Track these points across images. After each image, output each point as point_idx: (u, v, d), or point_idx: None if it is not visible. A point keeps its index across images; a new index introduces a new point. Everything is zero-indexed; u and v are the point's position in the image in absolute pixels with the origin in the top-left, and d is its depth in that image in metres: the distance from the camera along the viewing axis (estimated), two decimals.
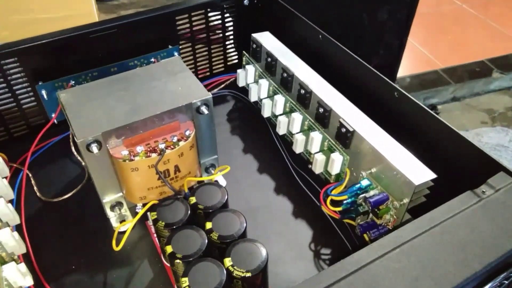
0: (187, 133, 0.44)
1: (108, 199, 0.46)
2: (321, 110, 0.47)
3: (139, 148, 0.43)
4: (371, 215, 0.44)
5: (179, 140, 0.44)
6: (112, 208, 0.47)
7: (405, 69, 1.40)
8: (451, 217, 0.32)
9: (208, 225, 0.38)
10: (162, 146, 0.43)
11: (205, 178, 0.48)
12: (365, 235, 0.44)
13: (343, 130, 0.44)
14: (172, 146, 0.43)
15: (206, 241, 0.37)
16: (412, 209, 0.40)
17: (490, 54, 1.46)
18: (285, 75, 0.52)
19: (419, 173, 0.39)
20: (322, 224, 0.47)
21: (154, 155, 0.42)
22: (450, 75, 1.40)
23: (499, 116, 1.32)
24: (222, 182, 0.51)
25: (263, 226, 0.47)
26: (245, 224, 0.38)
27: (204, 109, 0.44)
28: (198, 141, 0.47)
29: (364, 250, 0.30)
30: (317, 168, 0.48)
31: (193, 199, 0.41)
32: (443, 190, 0.38)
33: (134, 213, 0.48)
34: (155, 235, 0.46)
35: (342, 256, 0.44)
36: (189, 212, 0.40)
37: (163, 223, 0.39)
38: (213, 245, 0.38)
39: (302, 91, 0.49)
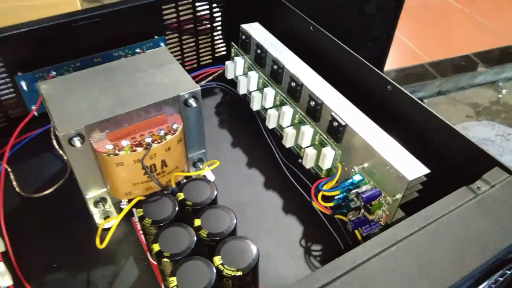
0: (175, 126, 0.43)
1: (91, 194, 0.44)
2: (312, 103, 0.46)
3: (124, 142, 0.41)
4: (362, 210, 0.43)
5: (166, 134, 0.42)
6: (96, 204, 0.45)
7: (391, 63, 1.40)
8: (447, 213, 0.31)
9: (197, 222, 0.37)
10: (148, 140, 0.41)
11: (193, 173, 0.47)
12: (356, 231, 0.43)
13: (335, 124, 0.43)
14: (158, 140, 0.42)
15: (195, 238, 0.36)
16: (405, 205, 0.40)
17: (476, 48, 1.47)
18: (275, 67, 0.50)
19: (412, 168, 0.38)
20: (312, 220, 0.46)
21: (140, 149, 0.41)
22: (436, 69, 1.40)
23: (484, 110, 1.33)
24: (211, 177, 0.50)
25: (253, 222, 0.46)
26: (235, 221, 0.37)
27: (192, 101, 0.43)
28: (185, 135, 0.45)
29: (359, 248, 0.29)
30: (308, 162, 0.47)
31: (181, 195, 0.39)
32: (437, 185, 0.38)
33: (118, 209, 0.46)
34: (141, 232, 0.44)
35: (333, 252, 0.44)
36: (176, 208, 0.38)
37: (150, 220, 0.37)
38: (202, 243, 0.36)
39: (293, 84, 0.48)
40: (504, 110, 1.33)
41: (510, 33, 1.56)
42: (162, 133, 0.42)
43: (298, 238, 0.45)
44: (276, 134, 0.54)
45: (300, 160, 0.50)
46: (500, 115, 1.31)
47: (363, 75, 0.47)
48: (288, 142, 0.50)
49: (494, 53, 1.47)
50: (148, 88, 0.43)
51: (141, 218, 0.38)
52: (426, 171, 0.38)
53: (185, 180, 0.46)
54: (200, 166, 0.49)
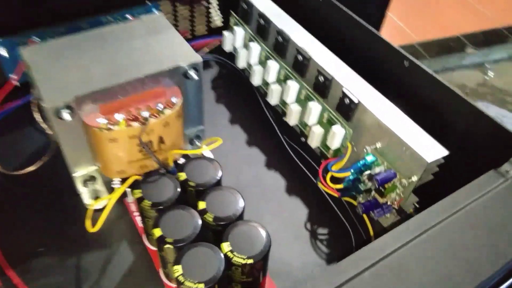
0: (174, 100, 0.39)
1: (80, 173, 0.40)
2: (321, 78, 0.43)
3: (119, 116, 0.37)
4: (373, 193, 0.41)
5: (165, 108, 0.38)
6: (85, 183, 0.41)
7: None
8: (476, 199, 0.29)
9: (202, 205, 0.34)
10: (146, 114, 0.37)
11: (193, 151, 0.43)
12: (364, 215, 0.41)
13: (347, 101, 0.40)
14: (156, 115, 0.38)
15: (200, 223, 0.33)
16: (417, 188, 0.37)
17: (465, 30, 1.46)
18: (280, 39, 0.47)
19: (430, 149, 0.36)
20: (318, 202, 0.44)
21: (135, 124, 0.37)
22: (425, 49, 1.39)
23: (470, 92, 1.33)
24: (209, 155, 0.47)
25: (254, 205, 0.43)
26: (243, 204, 0.34)
27: (193, 73, 0.39)
28: (183, 109, 0.42)
29: (387, 237, 0.27)
30: (314, 142, 0.45)
31: (182, 175, 0.36)
32: (455, 168, 0.35)
33: (109, 189, 0.42)
34: (134, 214, 0.41)
35: (340, 236, 0.42)
36: (178, 189, 0.35)
37: (150, 202, 0.34)
38: (207, 227, 0.33)
39: (300, 58, 0.45)
40: (490, 92, 1.33)
41: (499, 16, 1.56)
42: (160, 107, 0.38)
43: (303, 221, 0.43)
44: (277, 111, 0.51)
45: (303, 139, 0.47)
46: (486, 97, 1.32)
47: (377, 49, 0.44)
48: (293, 120, 0.47)
49: (482, 35, 1.47)
50: (144, 57, 0.39)
51: (139, 200, 0.35)
52: (445, 152, 0.36)
53: (182, 159, 0.43)
54: (198, 144, 0.46)
